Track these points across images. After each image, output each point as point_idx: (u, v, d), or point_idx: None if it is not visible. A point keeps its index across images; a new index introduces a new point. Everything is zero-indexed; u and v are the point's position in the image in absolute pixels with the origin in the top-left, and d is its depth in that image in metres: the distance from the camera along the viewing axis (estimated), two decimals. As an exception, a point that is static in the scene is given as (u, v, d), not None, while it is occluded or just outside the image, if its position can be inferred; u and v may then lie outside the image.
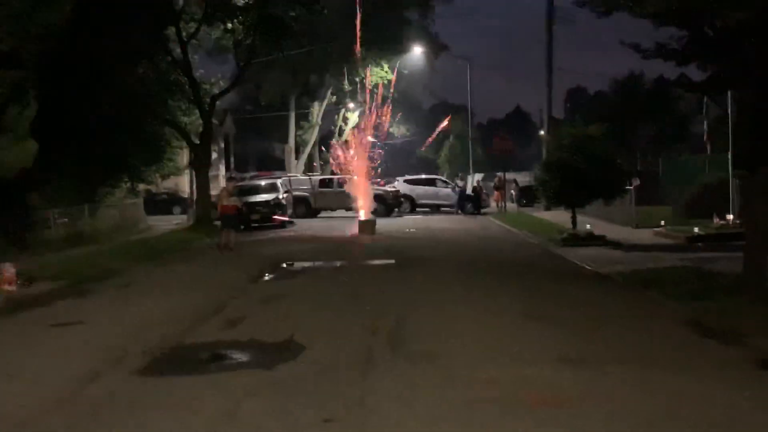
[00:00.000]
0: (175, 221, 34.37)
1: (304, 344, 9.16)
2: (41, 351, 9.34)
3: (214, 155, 49.33)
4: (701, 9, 10.13)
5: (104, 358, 8.68)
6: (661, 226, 22.63)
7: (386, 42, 47.69)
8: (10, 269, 14.30)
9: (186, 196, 41.07)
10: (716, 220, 21.73)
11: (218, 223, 22.89)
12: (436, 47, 54.58)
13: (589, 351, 8.59)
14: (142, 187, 33.06)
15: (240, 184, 38.44)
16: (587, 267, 16.38)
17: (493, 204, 40.96)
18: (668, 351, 8.67)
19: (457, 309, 11.52)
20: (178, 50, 29.57)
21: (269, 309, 11.99)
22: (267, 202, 30.92)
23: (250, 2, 30.42)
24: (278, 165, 57.99)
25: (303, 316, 11.23)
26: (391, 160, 50.21)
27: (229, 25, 31.33)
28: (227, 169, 56.36)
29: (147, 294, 13.88)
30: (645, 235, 22.11)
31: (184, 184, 43.13)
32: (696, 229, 20.55)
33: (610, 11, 11.34)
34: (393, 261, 18.20)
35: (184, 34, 29.57)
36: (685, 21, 11.04)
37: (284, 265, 18.01)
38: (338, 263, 18.13)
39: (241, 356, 8.87)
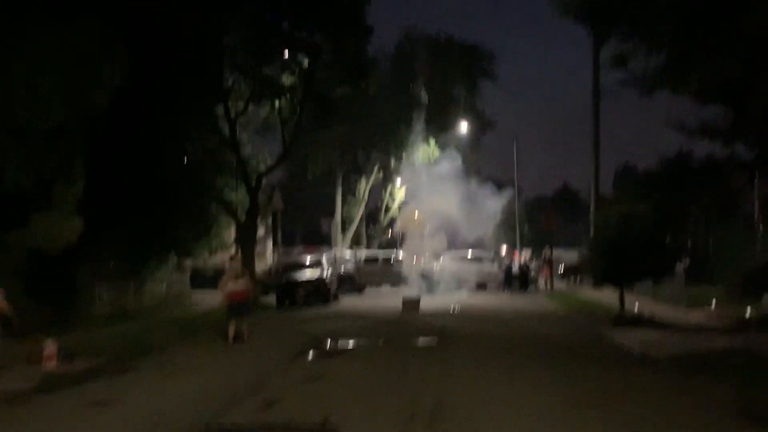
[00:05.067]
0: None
1: (339, 427, 8.96)
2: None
3: (262, 231, 49.70)
4: (745, 87, 9.96)
5: (134, 441, 8.56)
6: (712, 306, 22.04)
7: (432, 119, 48.14)
8: (51, 346, 14.35)
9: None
10: (766, 299, 21.13)
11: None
12: (482, 124, 54.80)
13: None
14: (189, 262, 33.28)
15: (285, 260, 38.76)
16: (635, 350, 15.92)
17: (540, 281, 40.41)
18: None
19: (499, 393, 11.23)
20: (226, 128, 30.06)
21: (307, 389, 11.81)
22: (311, 278, 30.90)
23: (297, 81, 30.96)
24: (325, 240, 58.19)
25: (341, 397, 11.02)
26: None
27: (277, 104, 31.85)
28: (275, 244, 56.63)
29: (185, 372, 13.81)
30: (695, 316, 21.53)
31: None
32: (748, 311, 19.95)
33: (652, 91, 11.25)
34: (435, 340, 17.92)
35: (232, 112, 30.11)
36: (729, 99, 10.89)
37: (325, 344, 17.83)
38: (380, 342, 17.91)
39: (272, 440, 8.69)
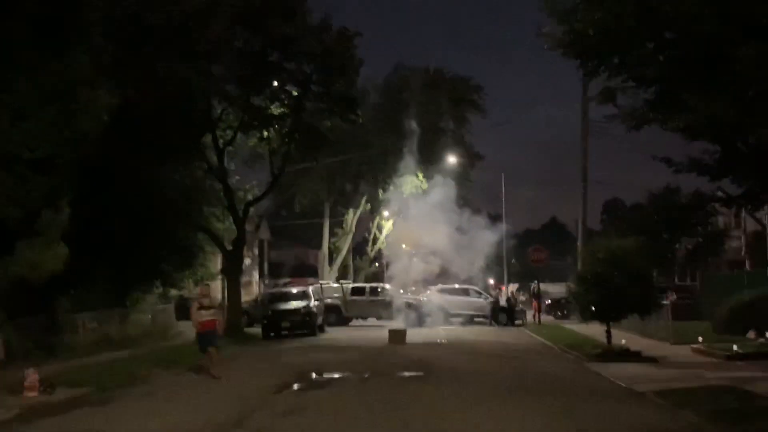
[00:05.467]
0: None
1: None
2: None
3: (249, 261, 49.54)
4: (731, 125, 10.00)
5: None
6: (699, 342, 21.96)
7: (421, 151, 48.15)
8: (32, 375, 14.18)
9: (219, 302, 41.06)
10: (751, 335, 21.11)
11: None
12: (471, 157, 54.91)
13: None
14: (174, 292, 33.10)
15: (272, 290, 38.58)
16: (622, 384, 15.83)
17: (528, 315, 40.25)
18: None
19: (487, 426, 11.13)
20: (214, 157, 30.01)
21: (292, 421, 11.69)
22: (297, 309, 30.71)
23: (286, 111, 30.99)
24: (312, 272, 57.99)
25: (326, 429, 10.91)
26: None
27: (265, 134, 31.84)
28: (261, 275, 56.48)
29: (168, 403, 13.66)
30: (682, 352, 21.46)
31: (217, 289, 43.15)
32: (735, 347, 19.89)
33: (640, 126, 11.29)
34: (422, 373, 17.79)
35: (220, 141, 30.07)
36: (717, 136, 10.94)
37: (310, 376, 17.69)
38: (366, 374, 17.74)
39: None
